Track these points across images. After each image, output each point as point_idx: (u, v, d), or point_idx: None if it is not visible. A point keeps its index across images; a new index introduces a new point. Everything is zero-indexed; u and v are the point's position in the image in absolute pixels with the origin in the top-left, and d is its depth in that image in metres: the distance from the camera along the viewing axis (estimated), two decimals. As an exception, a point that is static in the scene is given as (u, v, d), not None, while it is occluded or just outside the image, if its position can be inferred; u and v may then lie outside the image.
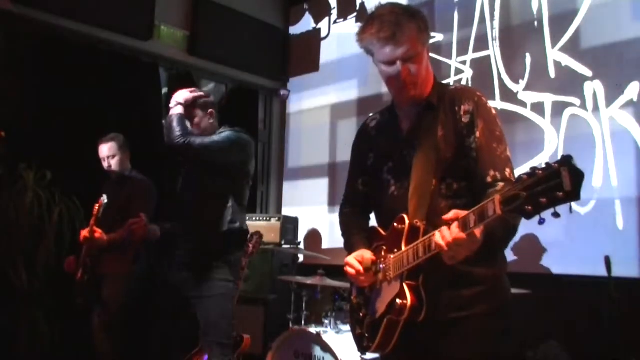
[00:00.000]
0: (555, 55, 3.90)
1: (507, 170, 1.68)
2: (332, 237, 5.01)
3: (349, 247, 1.95)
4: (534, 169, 1.27)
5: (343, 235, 2.08)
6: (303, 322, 3.84)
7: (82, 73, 4.30)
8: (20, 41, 4.07)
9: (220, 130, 3.07)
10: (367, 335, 1.82)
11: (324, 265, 4.04)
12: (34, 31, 4.15)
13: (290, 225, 4.86)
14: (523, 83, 4.03)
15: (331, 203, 5.09)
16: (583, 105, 3.74)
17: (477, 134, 1.71)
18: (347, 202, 2.13)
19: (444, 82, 1.95)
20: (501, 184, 1.62)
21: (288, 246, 4.65)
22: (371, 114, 2.07)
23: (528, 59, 4.02)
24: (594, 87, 3.69)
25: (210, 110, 3.07)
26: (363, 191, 2.02)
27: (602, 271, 2.97)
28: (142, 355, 3.84)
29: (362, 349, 1.87)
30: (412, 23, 1.72)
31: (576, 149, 3.73)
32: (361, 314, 1.88)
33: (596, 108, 3.68)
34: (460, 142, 1.72)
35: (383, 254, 1.79)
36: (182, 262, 2.94)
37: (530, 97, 3.98)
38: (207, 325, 2.86)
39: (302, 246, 4.50)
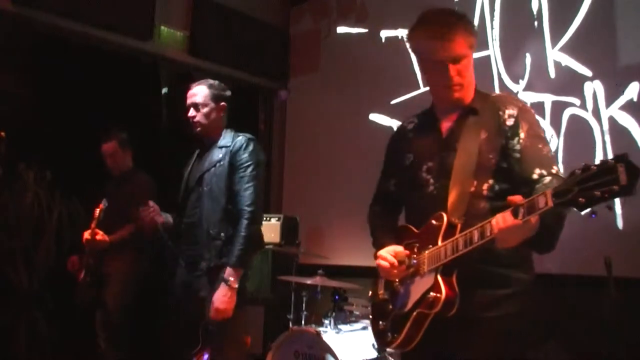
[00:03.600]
0: (555, 55, 3.90)
1: (555, 168, 1.72)
2: (332, 237, 5.01)
3: (379, 244, 1.98)
4: (587, 165, 1.33)
5: (372, 232, 2.11)
6: (303, 322, 3.84)
7: (82, 73, 4.30)
8: (20, 41, 4.07)
9: (227, 131, 2.97)
10: (390, 329, 1.84)
11: (324, 265, 4.04)
12: (34, 31, 4.16)
13: (290, 225, 4.86)
14: (523, 83, 4.03)
15: (331, 203, 5.09)
16: (583, 105, 3.74)
17: (522, 134, 1.76)
18: (377, 201, 2.18)
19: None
20: (549, 179, 1.66)
21: (288, 246, 4.65)
22: (407, 118, 2.12)
23: (528, 59, 4.02)
24: (594, 87, 3.69)
25: (222, 104, 2.96)
26: (394, 192, 2.08)
27: (602, 271, 2.97)
28: (143, 355, 3.85)
29: (384, 344, 1.90)
30: (461, 26, 1.80)
31: (576, 149, 3.74)
32: (387, 308, 1.90)
33: (596, 108, 3.68)
34: (504, 145, 1.77)
35: (415, 250, 1.83)
36: (192, 261, 2.86)
37: (530, 97, 3.98)
38: (224, 329, 2.77)
39: (302, 246, 4.49)
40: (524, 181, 1.71)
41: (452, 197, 1.76)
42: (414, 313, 1.74)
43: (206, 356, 2.89)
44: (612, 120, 3.61)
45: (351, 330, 3.65)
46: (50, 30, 4.20)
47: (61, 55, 4.27)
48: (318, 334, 3.41)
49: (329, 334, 3.46)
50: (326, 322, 3.62)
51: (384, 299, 1.94)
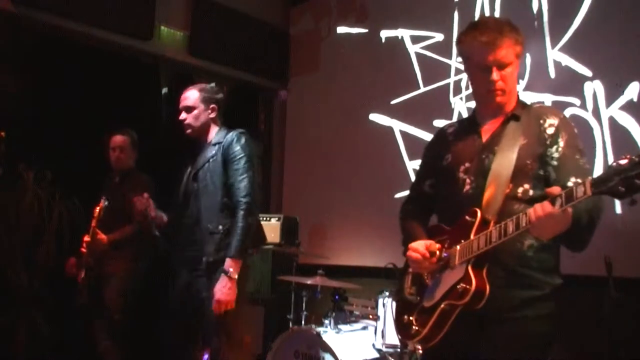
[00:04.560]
0: (555, 55, 3.90)
1: (590, 179, 1.72)
2: (332, 237, 5.01)
3: (410, 239, 2.00)
4: (625, 157, 1.39)
5: (403, 229, 2.13)
6: (303, 322, 3.84)
7: (83, 73, 4.30)
8: (20, 41, 4.07)
9: (220, 130, 3.03)
10: (416, 322, 1.87)
11: (324, 265, 4.05)
12: (34, 31, 4.16)
13: (290, 225, 4.86)
14: (523, 83, 4.03)
15: (331, 203, 5.09)
16: (583, 105, 3.74)
17: (562, 143, 1.81)
18: (410, 200, 2.21)
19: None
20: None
21: (288, 246, 4.65)
22: (449, 123, 2.18)
23: (528, 59, 4.02)
24: (594, 87, 3.70)
25: (212, 106, 3.02)
26: (428, 193, 2.11)
27: (602, 271, 2.97)
28: (143, 354, 3.85)
29: (407, 337, 1.92)
30: (512, 33, 1.88)
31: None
32: (415, 301, 1.92)
33: (596, 108, 3.68)
34: (542, 152, 1.82)
35: (446, 245, 1.87)
36: (193, 260, 2.88)
37: (530, 97, 3.98)
38: (213, 325, 2.81)
39: (302, 246, 4.49)
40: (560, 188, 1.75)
41: (487, 196, 1.80)
42: (442, 305, 1.77)
43: (206, 356, 2.90)
44: (612, 120, 3.61)
45: (351, 330, 3.65)
46: (50, 30, 4.20)
47: (61, 55, 4.27)
48: (318, 334, 3.41)
49: (329, 334, 3.46)
50: (326, 322, 3.63)
51: (410, 294, 1.97)
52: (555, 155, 1.80)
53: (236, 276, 2.72)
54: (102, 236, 3.69)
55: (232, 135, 2.96)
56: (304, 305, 3.89)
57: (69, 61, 4.28)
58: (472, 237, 1.76)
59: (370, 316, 3.70)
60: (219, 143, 2.96)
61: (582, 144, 1.86)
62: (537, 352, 1.79)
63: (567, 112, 3.79)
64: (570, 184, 1.72)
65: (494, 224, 1.72)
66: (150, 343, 3.80)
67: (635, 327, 3.04)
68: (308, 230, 5.10)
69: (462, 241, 1.79)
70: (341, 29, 5.35)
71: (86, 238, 3.74)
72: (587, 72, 3.73)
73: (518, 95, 1.97)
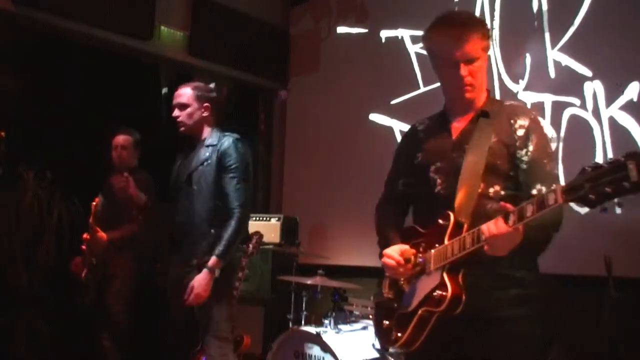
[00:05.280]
0: (555, 55, 3.90)
1: (561, 186, 1.70)
2: (332, 237, 5.01)
3: (385, 242, 1.98)
4: (597, 163, 1.35)
5: (378, 231, 2.11)
6: (303, 322, 3.84)
7: (82, 73, 4.30)
8: (20, 41, 4.08)
9: (213, 131, 3.05)
10: (395, 328, 1.84)
11: (324, 265, 4.04)
12: (34, 31, 4.16)
13: (290, 225, 4.86)
14: (523, 83, 4.03)
15: (331, 203, 5.09)
16: (583, 105, 3.74)
17: (531, 147, 1.78)
18: (385, 200, 2.18)
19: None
20: None
21: (288, 246, 4.65)
22: (420, 120, 2.14)
23: (528, 59, 4.02)
24: (594, 87, 3.69)
25: (205, 104, 3.05)
26: (402, 191, 2.08)
27: (602, 271, 2.97)
28: (143, 354, 3.85)
29: (388, 343, 1.90)
30: (478, 28, 1.84)
31: (576, 149, 3.73)
32: (392, 307, 1.90)
33: (596, 108, 3.67)
34: (512, 153, 1.79)
35: (422, 249, 1.84)
36: (184, 258, 2.94)
37: (530, 97, 3.98)
38: (208, 324, 2.87)
39: (302, 246, 4.49)
40: (525, 194, 1.73)
41: (459, 197, 1.77)
42: (419, 311, 1.74)
43: (205, 357, 2.90)
44: (612, 120, 3.60)
45: (351, 330, 3.65)
46: (50, 30, 4.19)
47: (61, 55, 4.27)
48: (318, 334, 3.41)
49: (329, 334, 3.46)
50: (326, 322, 3.62)
51: (389, 299, 1.94)
52: (525, 158, 1.78)
53: (217, 275, 2.80)
54: (102, 234, 3.70)
55: (228, 140, 2.99)
56: (304, 305, 3.89)
57: (69, 61, 4.28)
58: (446, 241, 1.73)
59: (370, 316, 3.70)
60: (212, 145, 2.99)
61: (551, 147, 1.84)
62: (532, 355, 1.76)
63: (567, 112, 3.80)
64: (534, 191, 1.72)
65: (468, 228, 1.69)
66: (151, 343, 3.81)
67: (635, 327, 3.03)
68: (308, 230, 5.10)
69: (437, 245, 1.76)
70: (341, 29, 5.35)
71: (85, 236, 3.74)
72: (587, 72, 3.73)
73: (488, 91, 1.95)
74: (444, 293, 1.67)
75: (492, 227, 1.56)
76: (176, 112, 3.03)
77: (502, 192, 1.78)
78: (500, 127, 1.82)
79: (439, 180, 1.88)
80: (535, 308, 1.76)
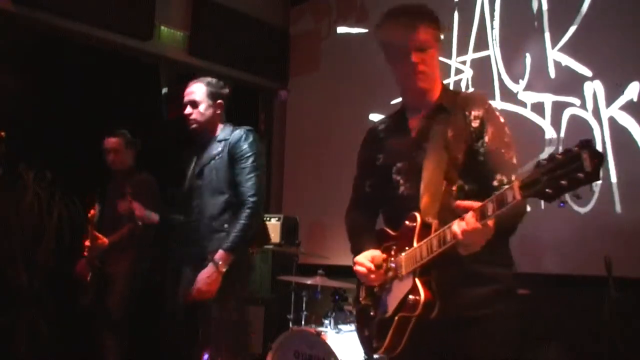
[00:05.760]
0: (555, 55, 3.90)
1: (514, 177, 1.70)
2: (332, 237, 5.01)
3: (357, 249, 1.95)
4: (552, 155, 1.29)
5: (350, 237, 2.07)
6: (303, 322, 3.84)
7: (82, 73, 4.30)
8: (20, 41, 4.08)
9: (225, 127, 2.97)
10: (376, 335, 1.81)
11: (324, 265, 4.04)
12: (34, 31, 4.16)
13: (290, 225, 4.86)
14: (523, 83, 4.03)
15: (331, 203, 5.08)
16: (583, 105, 3.74)
17: (486, 138, 1.75)
18: (353, 204, 2.14)
19: (447, 85, 2.01)
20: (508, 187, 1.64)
21: (288, 246, 4.65)
22: (379, 119, 2.11)
23: (528, 59, 4.02)
24: (594, 87, 3.69)
25: (219, 102, 2.96)
26: (370, 194, 2.04)
27: (602, 271, 2.97)
28: (144, 354, 3.85)
29: (370, 351, 1.86)
30: (429, 18, 1.84)
31: (576, 149, 3.73)
32: (370, 314, 1.87)
33: (596, 108, 3.67)
34: (470, 145, 1.76)
35: (393, 252, 1.81)
36: (197, 258, 2.83)
37: (530, 97, 3.98)
38: (217, 326, 2.78)
39: (302, 246, 4.49)
40: (486, 185, 1.70)
41: (424, 197, 1.74)
42: (396, 318, 1.71)
43: (206, 356, 2.89)
44: (612, 120, 3.60)
45: (351, 330, 3.64)
46: (50, 30, 4.20)
47: (61, 55, 4.27)
48: (318, 334, 3.41)
49: (329, 334, 3.46)
50: (326, 322, 3.62)
51: (366, 306, 1.91)
52: (481, 150, 1.75)
53: (224, 269, 2.67)
54: (104, 240, 3.70)
55: (239, 132, 2.90)
56: (304, 305, 3.89)
57: (69, 61, 4.28)
58: (415, 243, 1.71)
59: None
60: (224, 140, 2.90)
61: (509, 135, 1.79)
62: (508, 351, 1.73)
63: (567, 112, 3.80)
64: (495, 182, 1.69)
65: (436, 228, 1.66)
66: (151, 343, 3.81)
67: (635, 327, 3.03)
68: (308, 230, 5.10)
69: (407, 248, 1.74)
70: (341, 29, 5.35)
71: (87, 243, 3.75)
72: (587, 72, 3.73)
73: (443, 84, 1.92)
74: (417, 298, 1.64)
75: (456, 227, 1.53)
76: (188, 110, 2.92)
77: (467, 187, 1.75)
78: (456, 121, 1.79)
79: (402, 181, 1.86)
80: (511, 304, 1.75)
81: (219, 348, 2.78)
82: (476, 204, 1.51)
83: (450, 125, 1.78)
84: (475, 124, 1.77)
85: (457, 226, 1.53)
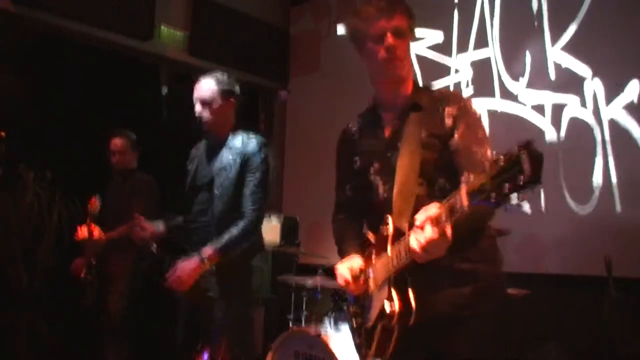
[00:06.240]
0: (555, 54, 3.90)
1: (465, 188, 1.64)
2: (332, 237, 5.00)
3: (341, 255, 1.94)
4: (497, 158, 1.22)
5: (336, 242, 2.07)
6: (303, 322, 3.83)
7: (83, 73, 4.30)
8: (20, 41, 4.08)
9: (235, 133, 2.88)
10: (364, 343, 1.80)
11: (324, 265, 4.04)
12: (34, 31, 4.16)
13: (290, 225, 4.86)
14: (523, 82, 4.03)
15: (331, 203, 5.08)
16: (583, 104, 3.73)
17: (456, 136, 1.70)
18: (338, 208, 2.12)
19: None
20: None
21: (288, 246, 4.64)
22: (352, 120, 2.07)
23: (528, 59, 4.02)
24: (594, 87, 3.69)
25: (231, 100, 2.84)
26: (351, 197, 2.00)
27: (602, 271, 2.97)
28: (144, 354, 3.85)
29: (362, 357, 1.84)
30: (406, 7, 1.80)
31: (576, 149, 3.73)
32: (358, 321, 1.86)
33: (596, 107, 3.67)
34: (444, 144, 1.72)
35: (373, 259, 1.77)
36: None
37: (530, 96, 3.98)
38: (223, 326, 2.75)
39: (302, 246, 4.49)
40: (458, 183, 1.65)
41: (397, 199, 1.70)
42: (378, 327, 1.69)
43: (206, 356, 2.89)
44: (612, 120, 3.60)
45: (351, 330, 3.65)
46: (50, 30, 4.20)
47: (61, 55, 4.27)
48: (318, 334, 3.41)
49: (329, 334, 3.45)
50: (326, 322, 3.62)
51: (355, 313, 1.90)
52: (452, 148, 1.70)
53: (207, 267, 2.63)
54: (100, 234, 3.70)
55: (254, 143, 2.82)
56: (304, 305, 3.88)
57: (69, 61, 4.28)
58: (389, 250, 1.65)
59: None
60: (236, 147, 2.81)
61: (484, 131, 1.73)
62: (492, 352, 1.70)
63: (567, 111, 3.80)
64: (462, 178, 1.57)
65: (409, 233, 1.55)
66: (151, 343, 3.81)
67: (635, 327, 3.03)
68: (308, 230, 5.10)
69: (382, 255, 1.69)
70: (341, 29, 5.35)
71: (81, 234, 3.68)
72: (587, 72, 3.73)
73: (414, 79, 1.87)
74: (392, 309, 1.60)
75: (413, 242, 1.46)
76: (198, 108, 2.79)
77: (448, 186, 1.69)
78: (430, 119, 1.74)
79: (380, 183, 1.81)
80: (489, 303, 1.70)
81: (225, 347, 2.78)
82: (431, 212, 1.44)
83: (425, 124, 1.74)
84: (449, 121, 1.72)
85: (413, 241, 1.47)
